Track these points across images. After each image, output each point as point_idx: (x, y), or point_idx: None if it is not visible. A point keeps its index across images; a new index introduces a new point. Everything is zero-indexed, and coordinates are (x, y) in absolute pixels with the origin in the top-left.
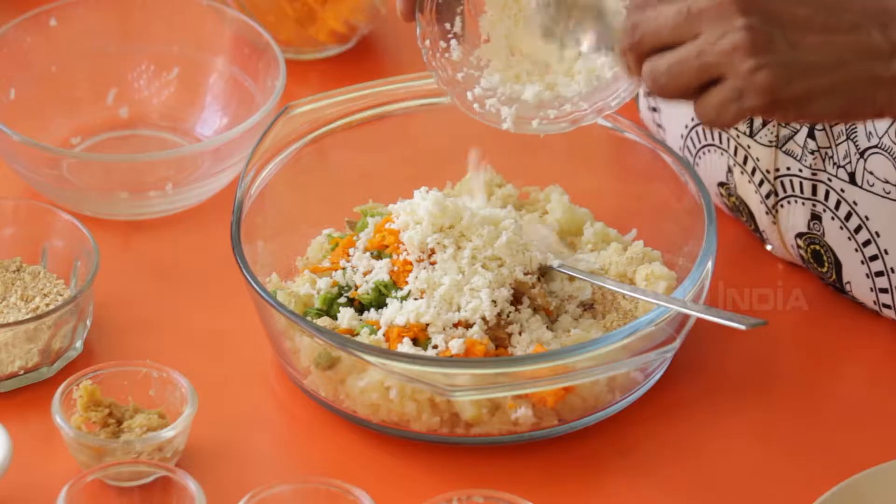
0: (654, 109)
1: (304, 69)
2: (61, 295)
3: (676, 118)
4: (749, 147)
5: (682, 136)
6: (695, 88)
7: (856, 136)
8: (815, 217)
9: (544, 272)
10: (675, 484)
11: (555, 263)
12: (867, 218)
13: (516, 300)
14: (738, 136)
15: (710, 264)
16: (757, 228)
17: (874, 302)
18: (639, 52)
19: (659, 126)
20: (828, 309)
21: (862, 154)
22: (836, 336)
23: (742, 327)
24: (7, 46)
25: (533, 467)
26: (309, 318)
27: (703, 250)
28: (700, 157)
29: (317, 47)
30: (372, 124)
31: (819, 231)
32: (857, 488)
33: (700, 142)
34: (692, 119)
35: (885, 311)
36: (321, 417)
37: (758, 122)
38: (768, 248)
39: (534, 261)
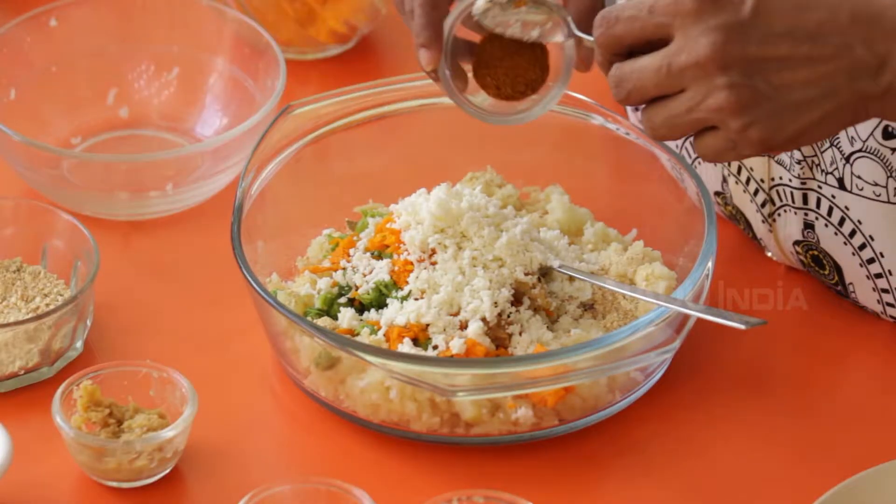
0: None
1: (304, 69)
2: (61, 295)
3: None
4: None
5: (676, 145)
6: (694, 133)
7: (839, 143)
8: (808, 226)
9: (545, 272)
10: (675, 484)
11: (555, 264)
12: (860, 222)
13: (517, 300)
14: None
15: (710, 264)
16: (755, 236)
17: (878, 302)
18: (631, 105)
19: None
20: (828, 309)
21: (847, 159)
22: (836, 336)
23: (742, 327)
24: (7, 46)
25: (533, 467)
26: (309, 319)
27: (703, 250)
28: (696, 167)
29: (317, 47)
30: (372, 124)
31: (813, 238)
32: (857, 488)
33: (695, 152)
34: None
35: (890, 311)
36: (321, 417)
37: None
38: (768, 254)
39: (534, 261)
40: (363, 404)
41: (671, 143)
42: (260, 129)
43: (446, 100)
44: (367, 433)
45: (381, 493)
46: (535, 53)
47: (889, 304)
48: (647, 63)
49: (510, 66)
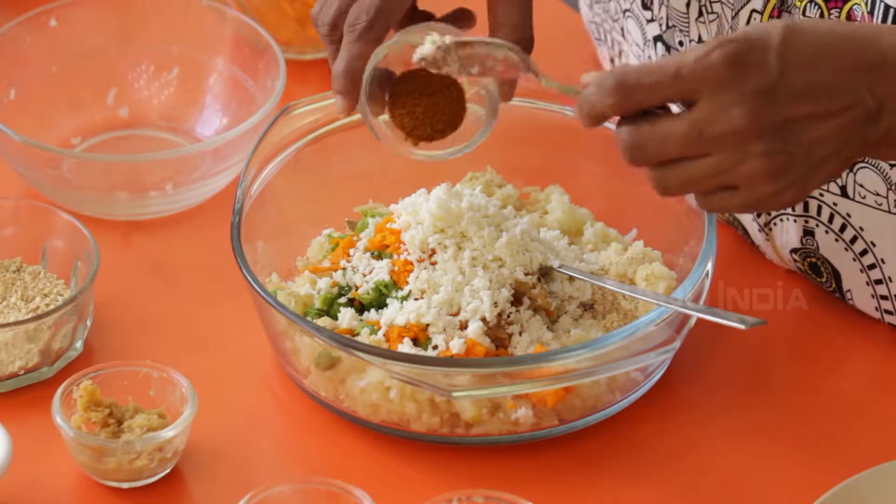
0: None
1: (304, 69)
2: (61, 295)
3: None
4: None
5: None
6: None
7: None
8: (808, 233)
9: (545, 273)
10: (675, 484)
11: (555, 264)
12: (862, 229)
13: (517, 300)
14: None
15: (710, 264)
16: (752, 242)
17: (876, 309)
18: (640, 165)
19: None
20: (828, 309)
21: (851, 168)
22: (836, 336)
23: (742, 327)
24: (7, 46)
25: (533, 467)
26: (309, 319)
27: (703, 250)
28: None
29: (317, 47)
30: None
31: (812, 245)
32: (857, 488)
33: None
34: None
35: (888, 318)
36: (321, 417)
37: None
38: (767, 256)
39: (534, 261)
40: (363, 404)
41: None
42: (260, 129)
43: None
44: (367, 433)
45: (381, 493)
46: (453, 91)
47: (887, 312)
48: (672, 129)
49: (430, 104)
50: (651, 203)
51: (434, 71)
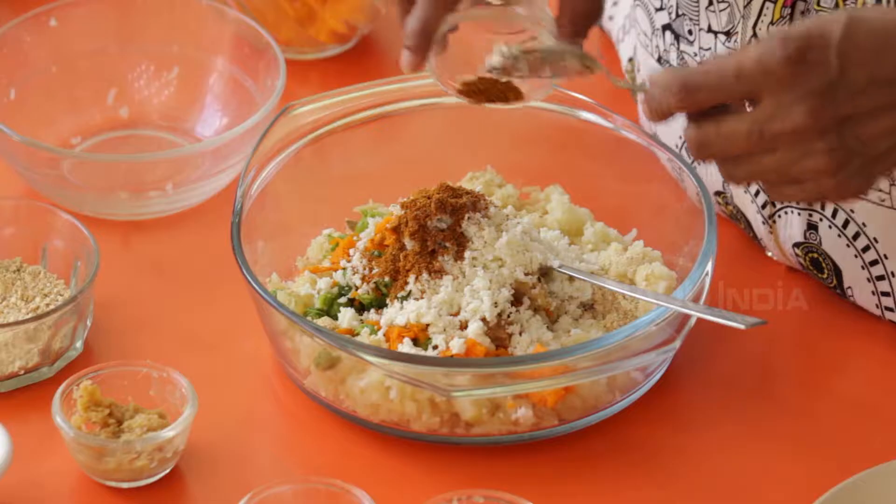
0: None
1: (304, 69)
2: (61, 295)
3: (670, 132)
4: None
5: (676, 146)
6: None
7: None
8: (812, 227)
9: (545, 272)
10: (675, 484)
11: (555, 264)
12: (864, 224)
13: (517, 300)
14: None
15: (710, 264)
16: (755, 236)
17: (876, 306)
18: (706, 161)
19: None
20: (828, 309)
21: None
22: (836, 336)
23: (742, 327)
24: (7, 46)
25: (533, 467)
26: (309, 318)
27: (703, 250)
28: (696, 167)
29: (317, 47)
30: (372, 124)
31: (816, 240)
32: (857, 488)
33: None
34: None
35: (888, 315)
36: (321, 417)
37: None
38: (769, 253)
39: (534, 261)
40: (363, 404)
41: (670, 143)
42: (260, 129)
43: (446, 100)
44: (367, 433)
45: (381, 493)
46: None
47: (888, 308)
48: (736, 127)
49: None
50: (651, 203)
51: (505, 78)
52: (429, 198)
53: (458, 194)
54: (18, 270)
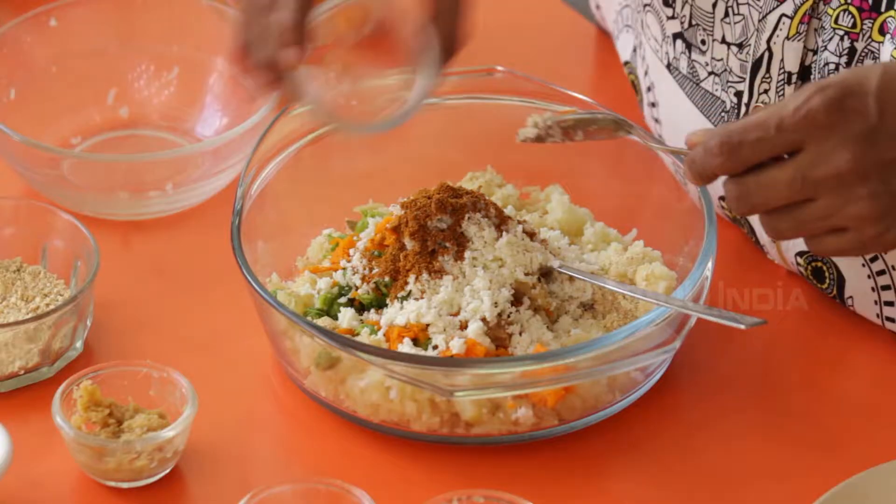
0: (655, 113)
1: None
2: (61, 295)
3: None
4: None
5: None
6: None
7: None
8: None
9: (545, 273)
10: (675, 484)
11: (555, 264)
12: None
13: (517, 301)
14: None
15: (710, 264)
16: (758, 242)
17: (877, 315)
18: (748, 214)
19: (657, 120)
20: (828, 309)
21: None
22: (837, 336)
23: (742, 327)
24: (7, 46)
25: (533, 467)
26: (309, 319)
27: (703, 250)
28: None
29: None
30: None
31: None
32: (857, 488)
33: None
34: None
35: (889, 325)
36: (321, 417)
37: None
38: (770, 256)
39: (534, 261)
40: (363, 404)
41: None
42: (260, 129)
43: (446, 100)
44: (367, 433)
45: (381, 493)
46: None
47: (889, 319)
48: (777, 177)
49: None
50: (651, 203)
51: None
52: (429, 198)
53: (458, 194)
54: (18, 270)
